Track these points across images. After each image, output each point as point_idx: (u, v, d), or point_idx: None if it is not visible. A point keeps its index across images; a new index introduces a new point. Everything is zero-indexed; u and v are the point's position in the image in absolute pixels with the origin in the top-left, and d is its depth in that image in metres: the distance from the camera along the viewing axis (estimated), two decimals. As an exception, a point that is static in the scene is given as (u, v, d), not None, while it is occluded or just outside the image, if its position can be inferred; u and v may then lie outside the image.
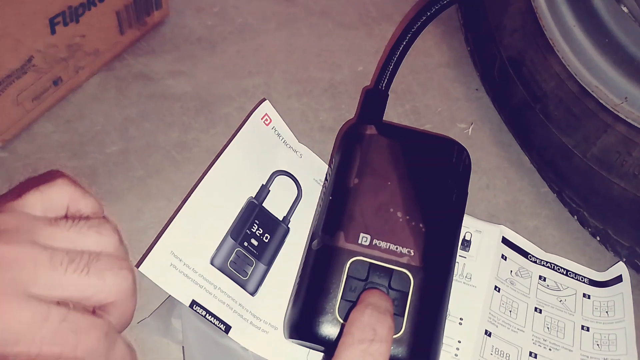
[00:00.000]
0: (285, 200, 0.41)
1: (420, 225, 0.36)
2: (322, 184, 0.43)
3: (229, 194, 0.39)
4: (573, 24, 0.41)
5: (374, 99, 0.44)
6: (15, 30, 0.40)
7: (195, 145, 0.46)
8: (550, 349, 0.39)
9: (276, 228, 0.40)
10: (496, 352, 0.38)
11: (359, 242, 0.35)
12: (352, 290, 0.34)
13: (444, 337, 0.35)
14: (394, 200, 0.37)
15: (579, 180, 0.42)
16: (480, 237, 0.42)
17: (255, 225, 0.39)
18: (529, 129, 0.46)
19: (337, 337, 0.33)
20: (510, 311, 0.40)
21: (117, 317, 0.26)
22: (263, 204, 0.40)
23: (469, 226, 0.42)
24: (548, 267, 0.43)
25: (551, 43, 0.41)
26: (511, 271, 0.42)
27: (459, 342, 0.38)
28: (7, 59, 0.40)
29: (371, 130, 0.39)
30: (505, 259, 0.42)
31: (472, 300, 0.40)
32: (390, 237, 0.36)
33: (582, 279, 0.42)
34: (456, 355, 0.38)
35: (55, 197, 0.27)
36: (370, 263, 0.35)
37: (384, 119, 0.43)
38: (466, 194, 0.39)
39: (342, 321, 0.33)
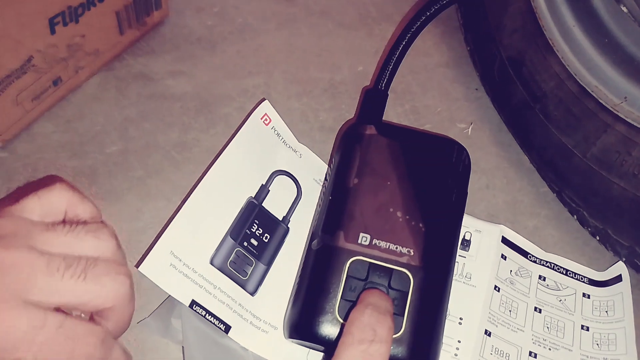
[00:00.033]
0: (285, 200, 0.41)
1: (420, 225, 0.36)
2: (321, 183, 0.43)
3: (228, 194, 0.39)
4: (573, 24, 0.41)
5: (373, 99, 0.44)
6: (15, 30, 0.40)
7: (195, 145, 0.46)
8: (550, 349, 0.39)
9: (276, 228, 0.40)
10: (496, 352, 0.38)
11: (359, 241, 0.35)
12: (352, 290, 0.34)
13: (443, 336, 0.35)
14: (394, 200, 0.37)
15: (579, 180, 0.42)
16: (480, 236, 0.42)
17: (255, 225, 0.39)
18: (528, 129, 0.46)
19: (337, 337, 0.33)
20: (510, 311, 0.40)
21: (114, 322, 0.26)
22: (263, 204, 0.40)
23: (469, 226, 0.42)
24: (548, 266, 0.43)
25: (551, 43, 0.41)
26: (511, 271, 0.42)
27: (459, 341, 0.38)
28: (7, 59, 0.40)
29: (371, 130, 0.39)
30: (505, 259, 0.42)
31: (472, 300, 0.40)
32: (390, 236, 0.36)
33: (581, 278, 0.42)
34: (456, 355, 0.38)
35: (53, 202, 0.27)
36: (370, 263, 0.35)
37: (383, 118, 0.44)
38: (466, 193, 0.39)
39: (342, 321, 0.33)
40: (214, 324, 0.35)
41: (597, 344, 0.39)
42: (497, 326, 0.39)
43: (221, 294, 0.36)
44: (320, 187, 0.42)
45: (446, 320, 0.35)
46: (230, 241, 0.38)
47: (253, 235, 0.39)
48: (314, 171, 0.43)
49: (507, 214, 0.45)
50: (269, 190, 0.40)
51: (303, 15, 0.55)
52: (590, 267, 0.43)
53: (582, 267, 0.43)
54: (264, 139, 0.41)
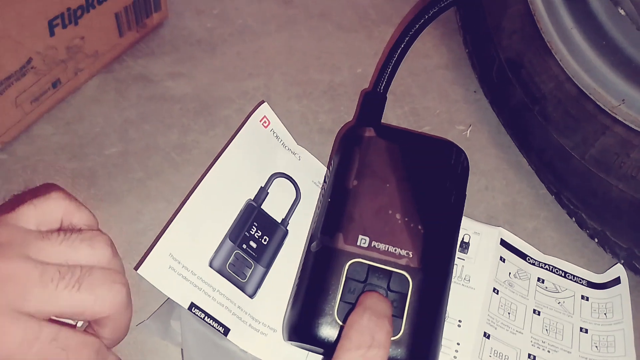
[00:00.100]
0: (284, 202, 0.41)
1: (419, 227, 0.36)
2: (320, 186, 0.43)
3: (227, 196, 0.39)
4: (571, 26, 0.41)
5: (372, 101, 0.44)
6: (15, 32, 0.40)
7: (195, 147, 0.46)
8: (549, 351, 0.39)
9: (275, 230, 0.40)
10: (495, 354, 0.38)
11: (358, 244, 0.35)
12: (351, 292, 0.34)
13: (442, 339, 0.35)
14: (393, 202, 0.37)
15: (578, 182, 0.42)
16: (479, 239, 0.42)
17: (254, 227, 0.39)
18: (527, 131, 0.46)
19: (336, 339, 0.33)
20: (509, 313, 0.40)
21: (111, 330, 0.26)
22: (262, 206, 0.40)
23: (468, 228, 0.42)
24: (546, 269, 0.43)
25: (549, 45, 0.41)
26: (510, 273, 0.42)
27: (458, 344, 0.38)
28: (6, 61, 0.40)
29: (370, 132, 0.39)
30: (503, 261, 0.42)
31: (471, 302, 0.40)
32: (389, 239, 0.36)
33: (580, 280, 0.42)
34: (455, 357, 0.38)
35: (49, 211, 0.27)
36: (369, 265, 0.35)
37: (382, 121, 0.44)
38: (464, 196, 0.39)
39: (341, 323, 0.33)
40: (212, 326, 0.35)
41: (596, 346, 0.39)
42: (496, 328, 0.39)
43: (220, 297, 0.36)
44: (319, 190, 0.43)
45: (445, 322, 0.35)
46: (229, 243, 0.38)
47: (252, 237, 0.39)
48: (312, 173, 0.43)
49: (507, 216, 0.45)
50: (268, 193, 0.40)
51: (303, 18, 0.55)
52: (589, 269, 0.43)
53: (580, 270, 0.43)
54: (263, 142, 0.41)
